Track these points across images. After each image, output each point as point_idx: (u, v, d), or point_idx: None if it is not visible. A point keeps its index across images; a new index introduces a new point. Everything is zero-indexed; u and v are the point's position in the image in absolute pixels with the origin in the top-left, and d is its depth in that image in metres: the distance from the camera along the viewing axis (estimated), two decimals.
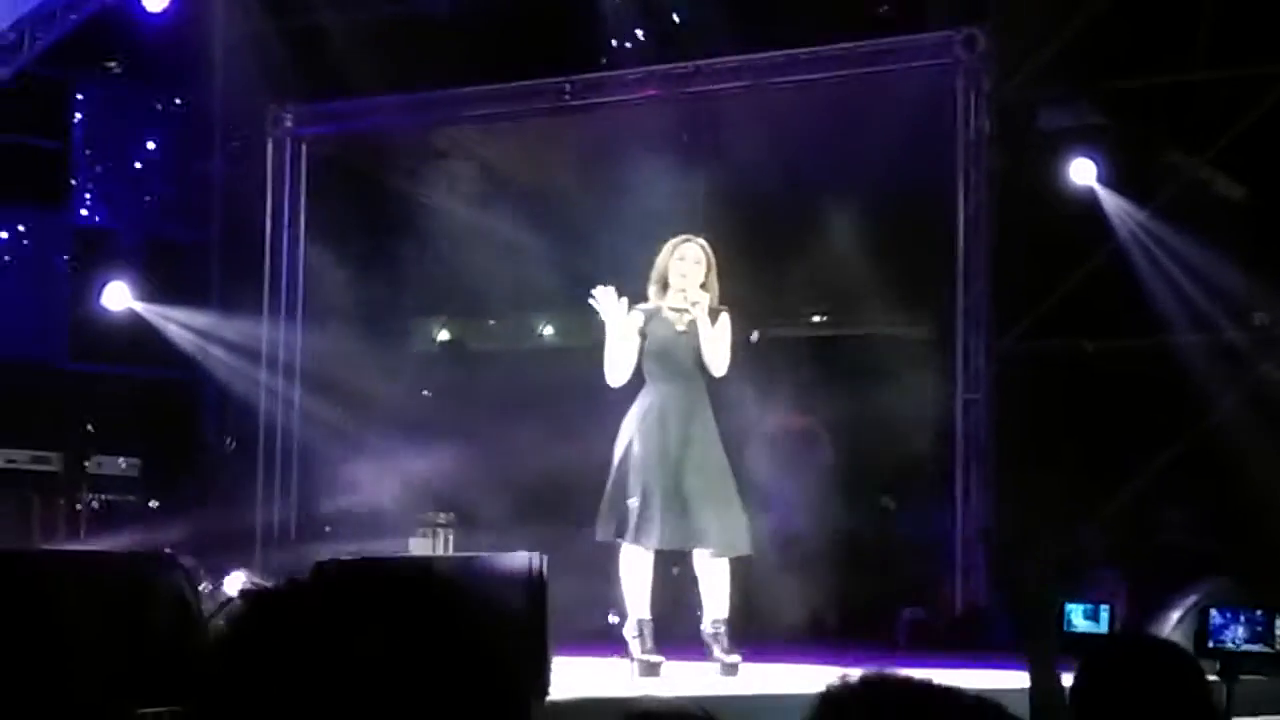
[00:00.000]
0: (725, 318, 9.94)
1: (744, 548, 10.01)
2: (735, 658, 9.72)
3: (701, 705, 3.03)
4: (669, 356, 9.93)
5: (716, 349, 9.87)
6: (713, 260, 10.01)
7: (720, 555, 9.88)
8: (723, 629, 9.76)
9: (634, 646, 9.78)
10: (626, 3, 15.32)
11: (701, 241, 10.08)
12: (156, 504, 16.14)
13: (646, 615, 9.83)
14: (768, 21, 14.90)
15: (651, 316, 9.98)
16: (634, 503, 9.72)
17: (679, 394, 9.93)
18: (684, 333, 9.93)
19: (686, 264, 9.96)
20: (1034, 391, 14.21)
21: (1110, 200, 14.18)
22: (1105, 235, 14.09)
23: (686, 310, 9.90)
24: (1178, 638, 10.73)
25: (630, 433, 9.85)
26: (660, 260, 10.05)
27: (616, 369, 9.88)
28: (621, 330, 9.85)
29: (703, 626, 9.84)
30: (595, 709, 7.47)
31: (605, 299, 9.83)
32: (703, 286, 9.92)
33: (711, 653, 9.73)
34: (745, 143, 15.09)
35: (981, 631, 13.35)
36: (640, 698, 8.54)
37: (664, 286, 10.00)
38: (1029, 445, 14.07)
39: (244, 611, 1.79)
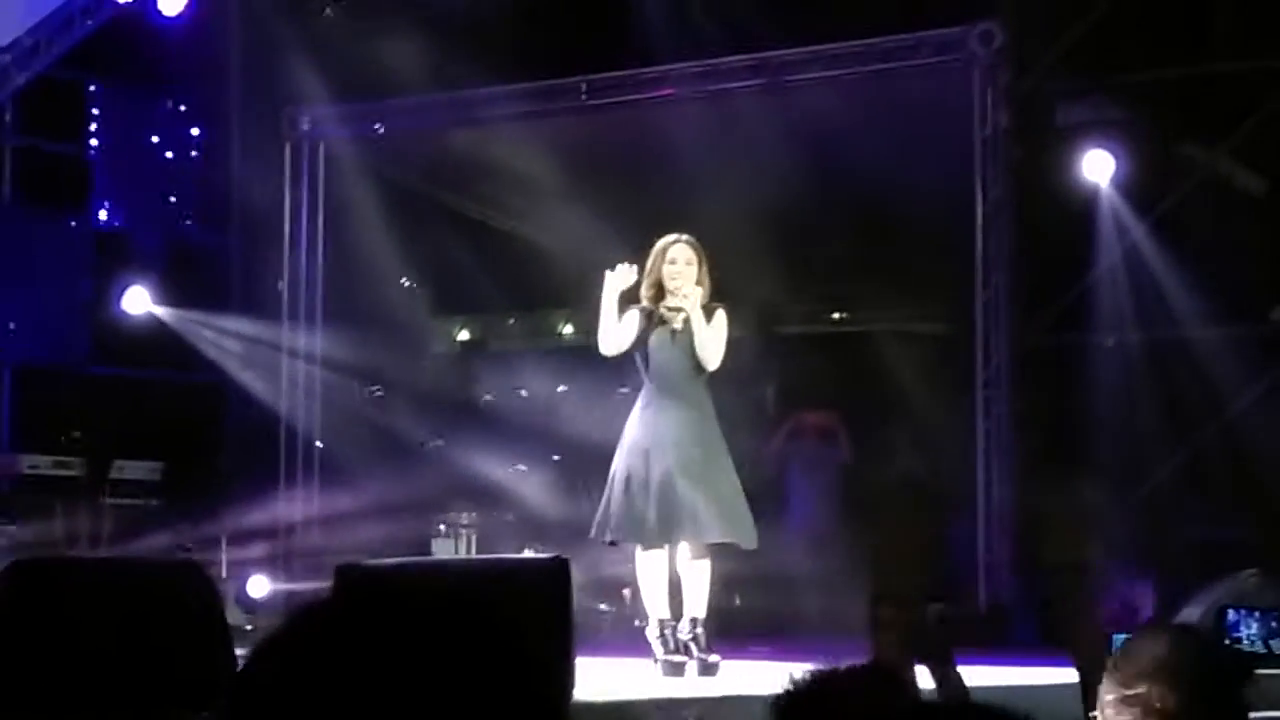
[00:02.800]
0: (721, 314, 9.99)
1: (749, 541, 10.03)
2: (715, 657, 9.76)
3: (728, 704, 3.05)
4: (667, 360, 9.95)
5: (709, 345, 9.90)
6: (703, 257, 10.03)
7: (727, 542, 9.92)
8: (700, 629, 9.78)
9: (657, 648, 9.79)
10: (645, 3, 15.29)
11: (690, 239, 10.10)
12: (177, 508, 16.14)
13: (667, 615, 9.84)
14: (783, 19, 14.89)
15: (647, 319, 10.00)
16: (630, 504, 9.76)
17: (676, 395, 9.96)
18: (680, 333, 9.96)
19: (678, 266, 9.99)
20: (1055, 387, 14.20)
21: (1111, 205, 14.14)
22: (1125, 229, 14.05)
23: (682, 310, 9.94)
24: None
25: (630, 436, 9.89)
26: (651, 264, 10.05)
27: (609, 336, 9.92)
28: (612, 298, 9.89)
29: (679, 626, 9.85)
30: (620, 711, 7.47)
31: (616, 273, 9.89)
32: (696, 284, 9.94)
33: (691, 653, 9.75)
34: (762, 140, 15.07)
35: (1005, 628, 13.33)
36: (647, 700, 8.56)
37: (658, 290, 10.01)
38: (1050, 440, 14.05)
39: (276, 634, 1.79)
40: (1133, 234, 14.06)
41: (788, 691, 3.13)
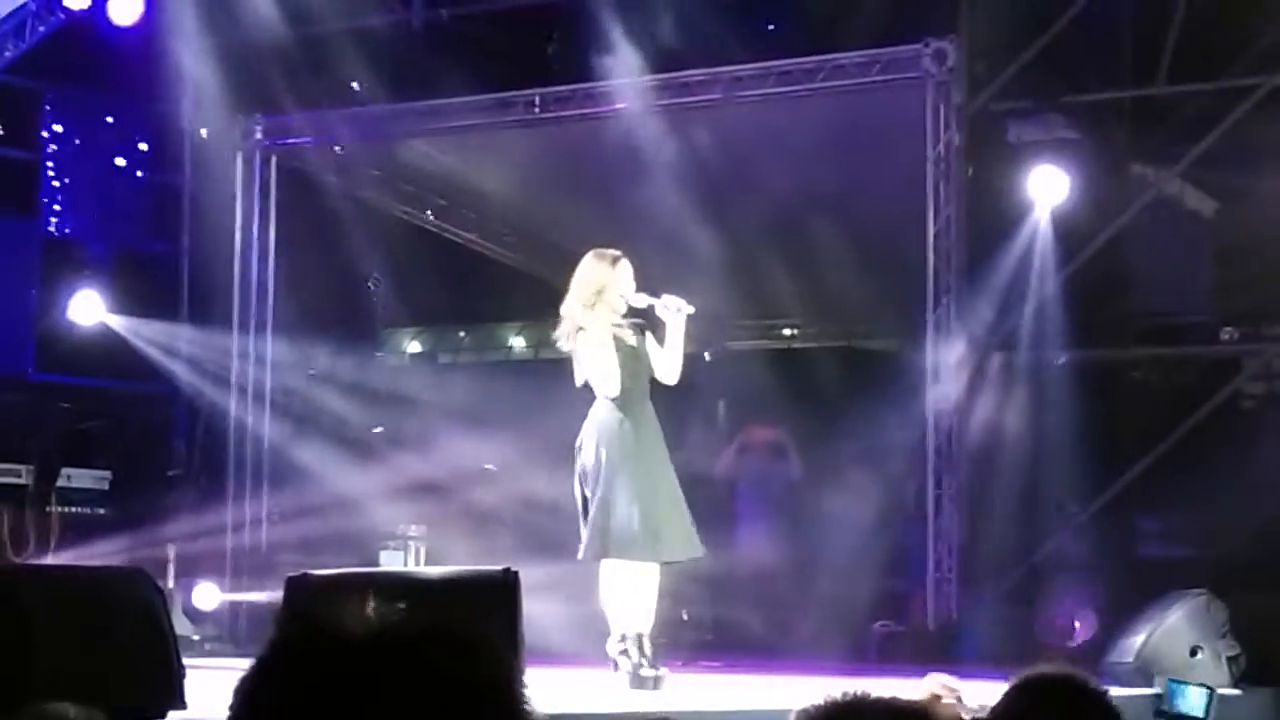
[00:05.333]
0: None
1: (699, 550, 10.11)
2: (663, 671, 9.79)
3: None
4: (636, 371, 9.95)
5: (673, 359, 9.93)
6: None
7: (687, 559, 9.97)
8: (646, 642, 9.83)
9: (626, 661, 9.80)
10: (596, 17, 15.29)
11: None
12: (125, 517, 16.07)
13: (639, 629, 9.85)
14: (737, 34, 14.92)
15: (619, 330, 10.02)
16: (629, 519, 9.75)
17: (645, 406, 9.98)
18: (637, 345, 9.98)
19: (630, 276, 10.03)
20: (1005, 404, 14.25)
21: (1056, 222, 14.20)
22: (1077, 248, 14.11)
23: (639, 322, 9.97)
24: (1147, 653, 10.78)
25: (606, 448, 9.84)
26: (597, 274, 10.01)
27: (613, 376, 9.89)
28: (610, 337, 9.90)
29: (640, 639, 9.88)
30: None
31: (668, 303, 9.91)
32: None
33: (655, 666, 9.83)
34: (713, 155, 15.10)
35: (952, 644, 13.37)
36: (631, 713, 8.55)
37: (597, 300, 9.97)
38: (999, 457, 14.10)
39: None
40: (1084, 252, 14.10)
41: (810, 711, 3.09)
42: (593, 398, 10.00)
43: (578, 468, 9.96)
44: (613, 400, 9.89)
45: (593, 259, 10.07)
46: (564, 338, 10.00)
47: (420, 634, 1.78)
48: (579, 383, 9.96)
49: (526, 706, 1.80)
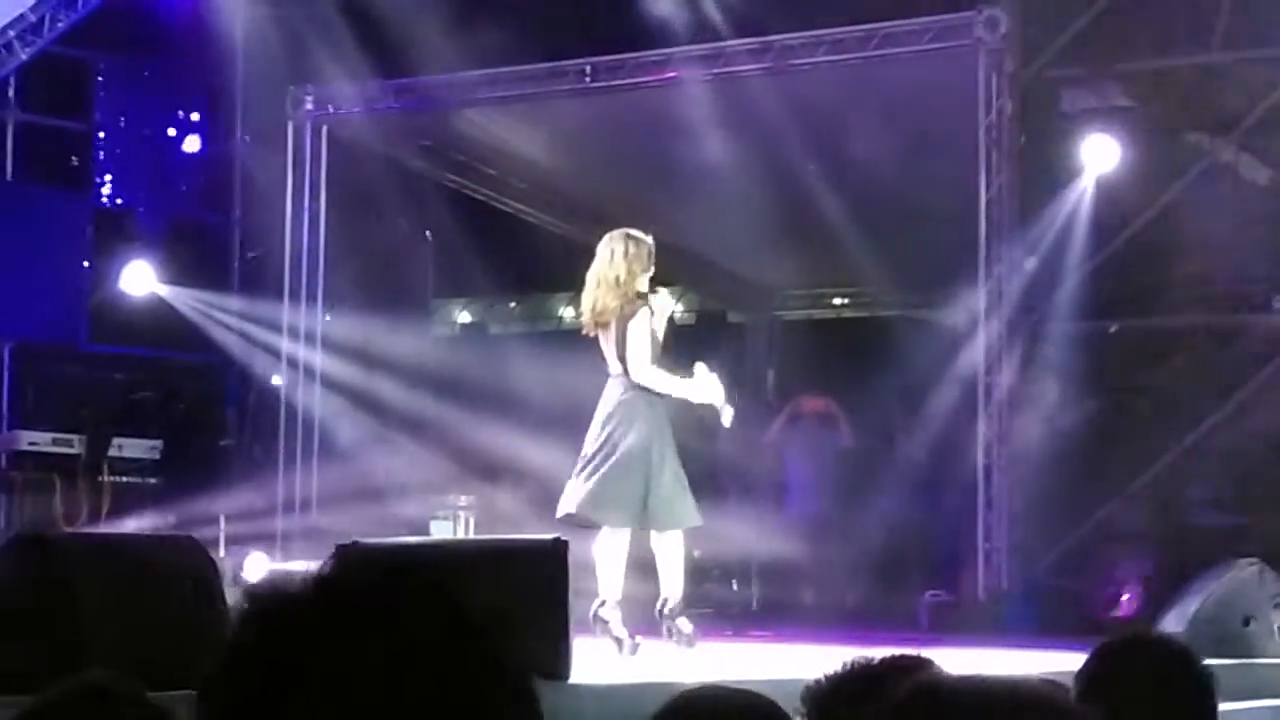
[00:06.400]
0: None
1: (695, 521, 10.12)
2: (638, 640, 9.84)
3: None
4: (659, 351, 10.00)
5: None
6: None
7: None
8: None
9: (621, 629, 9.83)
10: None
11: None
12: (176, 486, 16.13)
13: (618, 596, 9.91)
14: (788, 3, 14.86)
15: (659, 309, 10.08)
16: (648, 488, 9.81)
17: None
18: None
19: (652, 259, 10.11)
20: (1057, 373, 14.20)
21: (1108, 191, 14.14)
22: (1130, 217, 14.04)
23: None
24: (1198, 624, 10.72)
25: (651, 424, 9.86)
26: (641, 255, 9.99)
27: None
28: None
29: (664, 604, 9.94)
30: (621, 693, 7.46)
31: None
32: None
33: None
34: (764, 125, 15.06)
35: (1002, 615, 13.33)
36: (677, 683, 8.54)
37: (637, 283, 9.99)
38: (1049, 426, 14.05)
39: (250, 614, 1.76)
40: (1136, 221, 14.04)
41: (822, 681, 3.11)
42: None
43: (603, 434, 9.91)
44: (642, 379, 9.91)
45: (633, 240, 10.02)
46: (608, 316, 9.94)
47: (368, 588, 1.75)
48: (615, 362, 9.91)
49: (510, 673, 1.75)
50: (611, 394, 9.93)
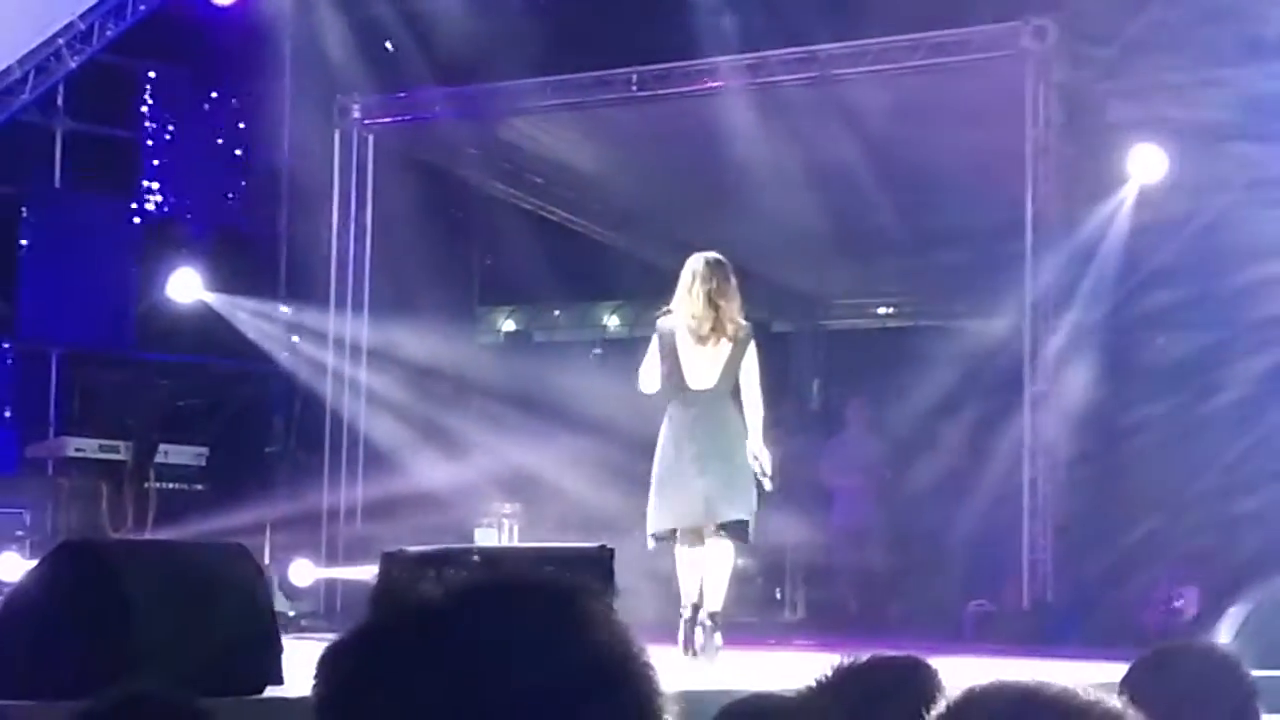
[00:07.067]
0: None
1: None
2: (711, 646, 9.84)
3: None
4: None
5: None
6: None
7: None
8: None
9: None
10: None
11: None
12: (222, 493, 16.19)
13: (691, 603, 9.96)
14: (833, 12, 14.85)
15: None
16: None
17: None
18: None
19: None
20: (1101, 384, 14.16)
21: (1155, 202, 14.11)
22: (1177, 227, 14.00)
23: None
24: (1247, 633, 10.67)
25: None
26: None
27: None
28: None
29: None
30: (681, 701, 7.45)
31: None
32: None
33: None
34: (810, 134, 15.06)
35: (1047, 625, 13.30)
36: (724, 690, 8.54)
37: None
38: (1095, 437, 14.02)
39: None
40: (1182, 232, 14.01)
41: (830, 676, 3.14)
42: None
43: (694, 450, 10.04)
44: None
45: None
46: (739, 334, 10.10)
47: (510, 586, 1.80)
48: (711, 377, 10.04)
49: (644, 668, 1.81)
50: (710, 407, 10.05)
